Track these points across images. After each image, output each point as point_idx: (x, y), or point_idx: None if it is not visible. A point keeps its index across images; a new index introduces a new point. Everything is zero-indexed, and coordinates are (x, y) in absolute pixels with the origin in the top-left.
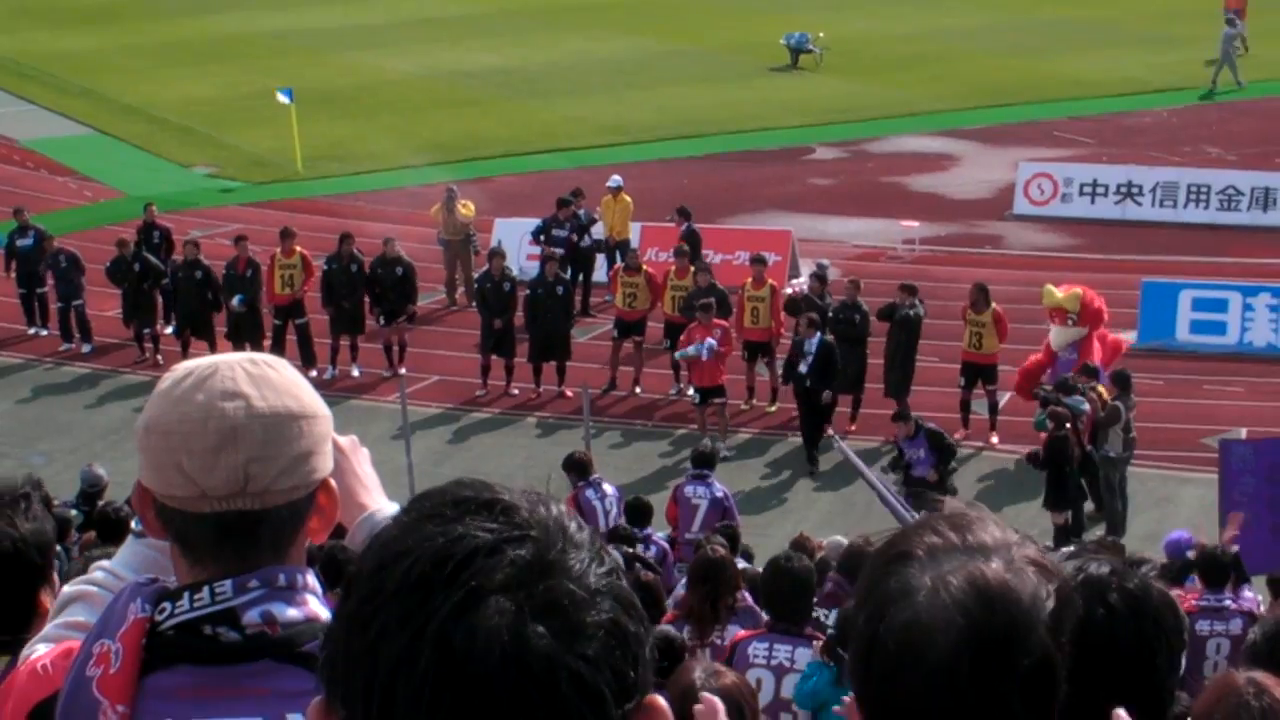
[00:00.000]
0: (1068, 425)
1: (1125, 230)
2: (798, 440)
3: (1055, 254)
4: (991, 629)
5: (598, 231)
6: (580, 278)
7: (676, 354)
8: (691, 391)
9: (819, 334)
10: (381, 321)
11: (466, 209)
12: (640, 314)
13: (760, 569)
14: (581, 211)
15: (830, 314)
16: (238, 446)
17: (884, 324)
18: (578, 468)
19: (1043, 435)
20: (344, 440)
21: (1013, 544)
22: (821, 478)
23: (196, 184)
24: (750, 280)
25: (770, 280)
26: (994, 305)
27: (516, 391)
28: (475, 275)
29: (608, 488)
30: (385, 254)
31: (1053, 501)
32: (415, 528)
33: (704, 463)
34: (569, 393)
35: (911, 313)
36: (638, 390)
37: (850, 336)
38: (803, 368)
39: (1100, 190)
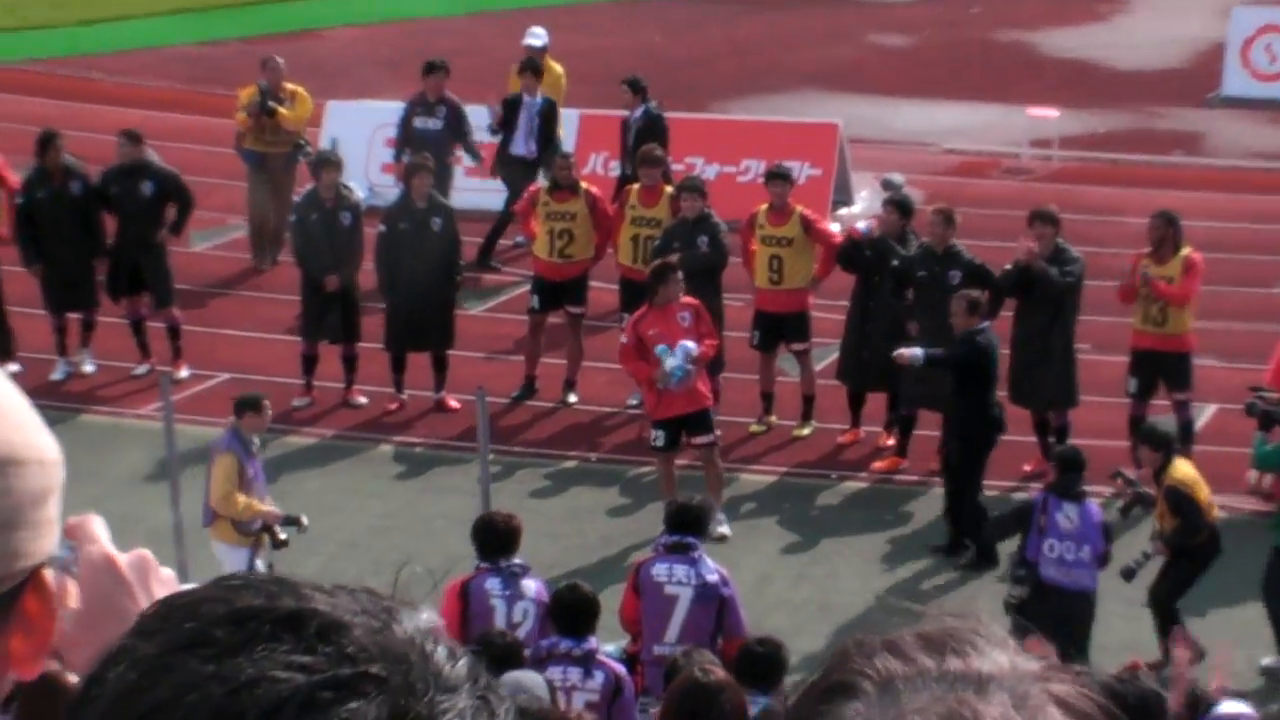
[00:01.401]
0: None
1: None
2: (850, 487)
3: None
4: None
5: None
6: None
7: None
8: (653, 429)
9: (985, 324)
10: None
11: (297, 106)
12: (578, 267)
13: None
14: (537, 102)
15: (903, 268)
16: None
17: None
18: (495, 540)
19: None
20: (125, 558)
21: (1029, 674)
22: (899, 543)
23: None
24: (765, 209)
25: (799, 209)
26: (1186, 250)
27: (364, 400)
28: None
29: (529, 583)
30: (122, 161)
31: None
32: (169, 666)
33: (686, 525)
34: (453, 402)
35: (1066, 272)
36: (571, 399)
37: (942, 307)
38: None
39: None
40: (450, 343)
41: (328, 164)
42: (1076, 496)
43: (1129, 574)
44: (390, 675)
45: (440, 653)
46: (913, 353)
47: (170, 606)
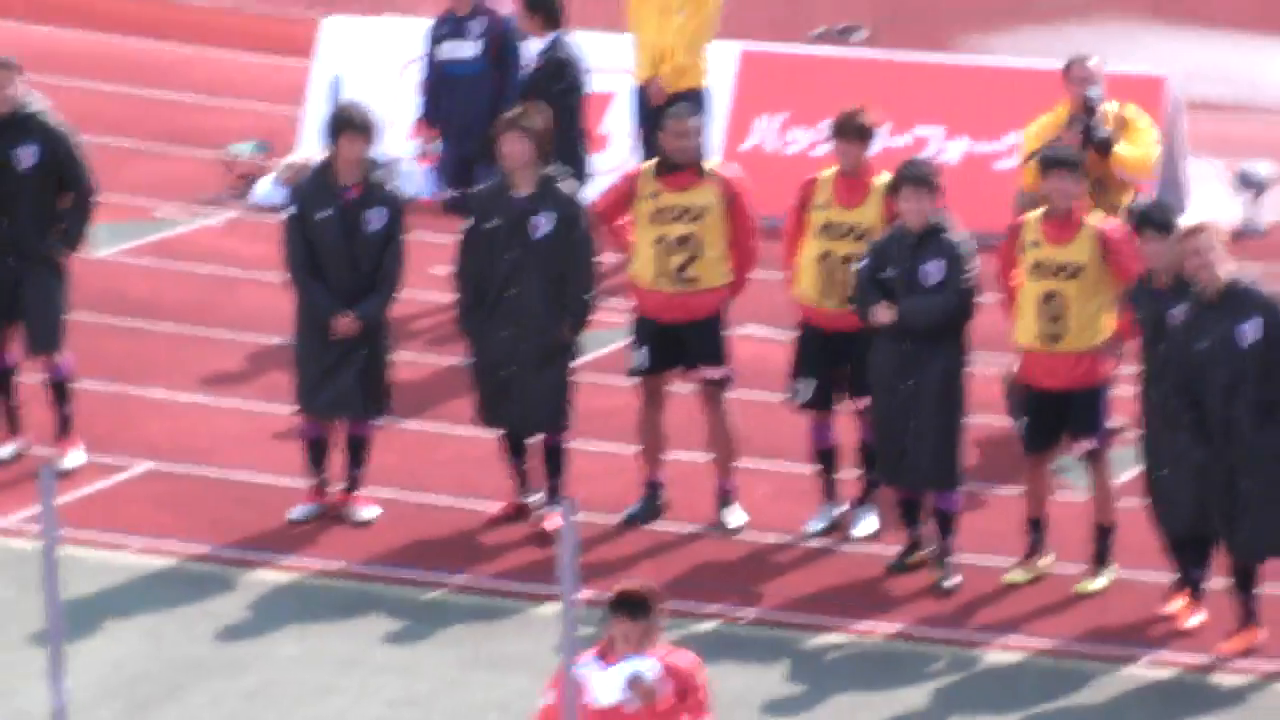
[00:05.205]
0: None
1: None
2: (1165, 679)
3: None
4: None
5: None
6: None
7: None
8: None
9: None
10: None
11: (1136, 135)
12: (708, 300)
13: None
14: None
15: None
16: None
17: None
18: None
19: None
20: None
21: None
22: None
23: None
24: (1040, 215)
25: (1094, 220)
26: None
27: (369, 514)
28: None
29: None
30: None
31: None
32: None
33: None
34: (548, 520)
35: None
36: (731, 520)
37: None
38: None
39: None
40: (566, 422)
41: (349, 126)
42: None
43: None
44: None
45: None
46: None
47: None
